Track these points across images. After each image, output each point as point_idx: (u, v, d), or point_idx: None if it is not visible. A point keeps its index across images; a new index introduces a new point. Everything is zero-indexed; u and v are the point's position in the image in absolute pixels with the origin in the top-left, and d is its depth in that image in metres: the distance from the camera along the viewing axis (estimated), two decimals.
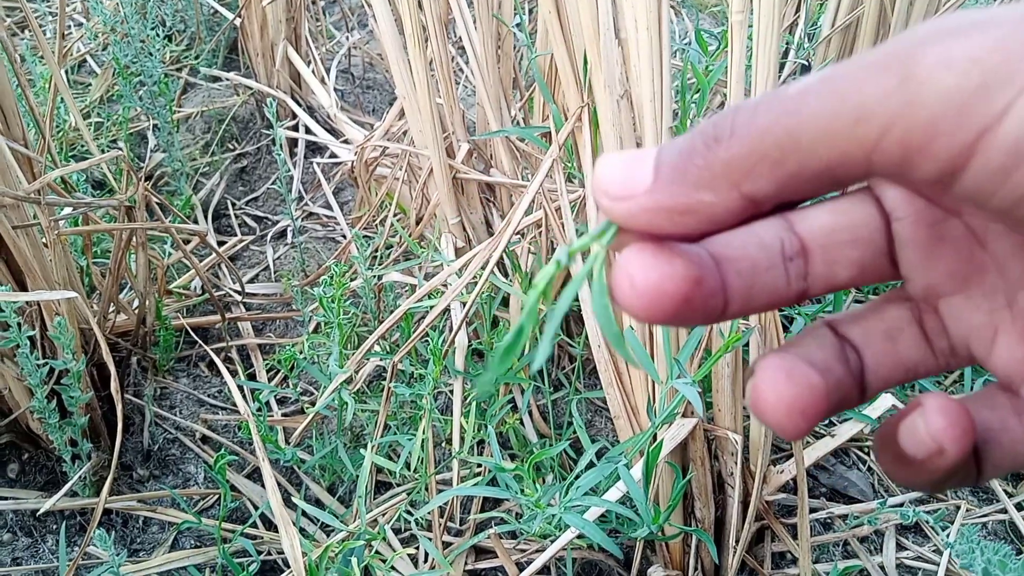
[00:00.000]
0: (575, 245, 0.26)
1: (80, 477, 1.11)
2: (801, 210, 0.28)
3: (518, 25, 1.30)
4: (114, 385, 0.98)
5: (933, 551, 1.11)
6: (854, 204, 0.28)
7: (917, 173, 0.22)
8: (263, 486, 1.21)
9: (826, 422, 1.22)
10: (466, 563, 1.12)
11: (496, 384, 1.16)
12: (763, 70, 0.85)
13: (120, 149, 1.11)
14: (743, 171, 0.23)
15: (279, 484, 1.22)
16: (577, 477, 0.91)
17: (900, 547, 1.12)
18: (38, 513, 1.14)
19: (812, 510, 1.16)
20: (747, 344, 0.97)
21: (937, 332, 0.28)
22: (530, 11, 1.83)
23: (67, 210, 1.11)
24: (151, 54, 1.64)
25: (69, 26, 2.21)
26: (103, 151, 1.75)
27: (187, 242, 1.51)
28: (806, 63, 1.41)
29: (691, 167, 0.24)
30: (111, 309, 1.26)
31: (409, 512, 1.06)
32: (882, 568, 1.10)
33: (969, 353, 0.28)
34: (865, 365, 0.28)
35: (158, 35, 1.69)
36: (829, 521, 1.16)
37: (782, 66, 1.81)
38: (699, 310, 0.25)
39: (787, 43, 1.70)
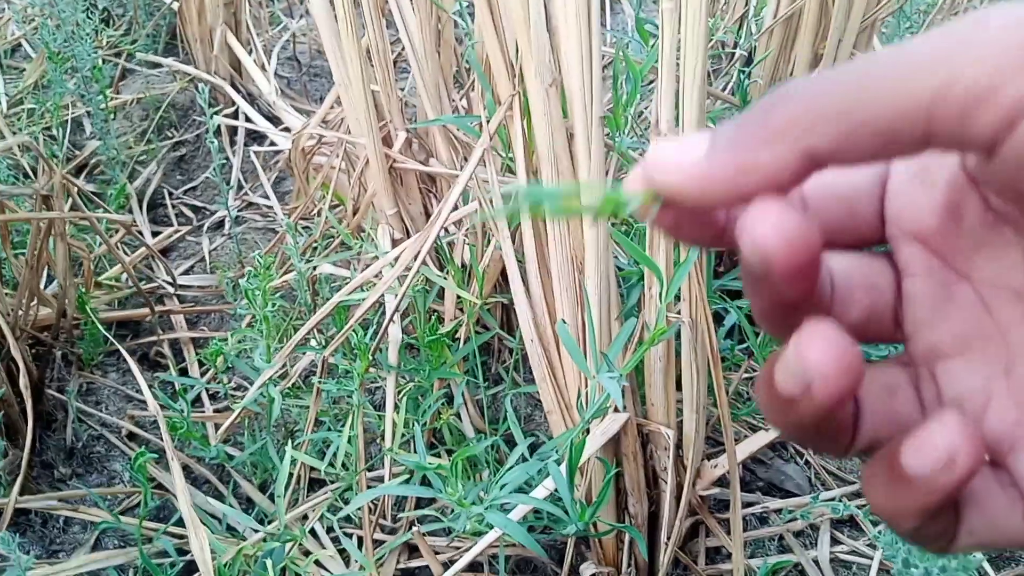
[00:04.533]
0: (606, 199, 0.26)
1: None
2: (829, 252, 0.29)
3: (458, 12, 1.28)
4: (23, 381, 0.94)
5: (867, 545, 1.12)
6: (873, 257, 0.29)
7: (977, 125, 0.22)
8: (191, 484, 1.17)
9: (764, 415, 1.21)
10: (398, 561, 1.09)
11: (430, 378, 1.13)
12: (691, 59, 0.83)
13: (28, 136, 1.06)
14: (805, 125, 0.23)
15: (208, 481, 1.19)
16: (505, 473, 0.89)
17: (835, 541, 1.12)
18: None
19: (748, 504, 1.15)
20: (679, 337, 0.96)
21: (931, 400, 0.28)
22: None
23: None
24: (83, 39, 1.59)
25: (3, 8, 2.14)
26: (36, 139, 1.69)
27: (116, 232, 1.46)
28: (747, 53, 1.41)
29: (748, 128, 0.24)
30: (33, 302, 1.21)
31: (338, 510, 1.04)
32: (816, 563, 1.10)
33: None
34: (861, 413, 0.27)
35: (90, 18, 1.63)
36: (765, 515, 1.16)
37: (731, 56, 1.80)
38: (814, 274, 0.25)
39: (734, 35, 1.70)
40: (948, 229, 0.27)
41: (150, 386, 1.32)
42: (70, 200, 1.18)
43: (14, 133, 1.19)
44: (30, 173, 1.64)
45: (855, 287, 0.29)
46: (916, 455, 0.24)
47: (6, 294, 1.17)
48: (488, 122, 1.01)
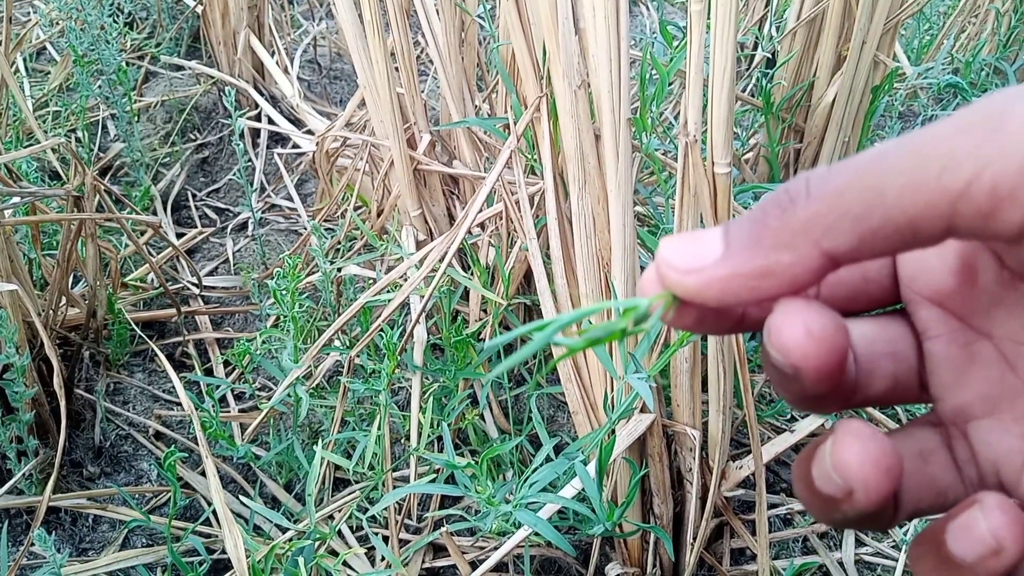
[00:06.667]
0: (622, 318, 0.26)
1: (25, 475, 1.07)
2: (848, 320, 0.28)
3: (482, 15, 1.28)
4: (57, 380, 0.95)
5: (892, 547, 1.11)
6: (891, 320, 0.29)
7: (1000, 223, 0.22)
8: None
9: (787, 417, 1.21)
10: (424, 561, 1.10)
11: (455, 379, 1.14)
12: (720, 61, 0.84)
13: (63, 138, 1.08)
14: (823, 227, 0.23)
15: (234, 481, 1.20)
16: (533, 473, 0.89)
17: (859, 543, 1.12)
18: None
19: (772, 506, 1.15)
20: (706, 338, 0.96)
21: (966, 460, 0.28)
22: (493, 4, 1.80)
23: (13, 200, 1.08)
24: (108, 42, 1.61)
25: (28, 12, 2.16)
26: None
27: (143, 233, 1.48)
28: (770, 56, 1.41)
29: (766, 230, 0.24)
30: (62, 302, 1.23)
31: (364, 509, 1.04)
32: (841, 564, 1.09)
33: (998, 480, 0.27)
34: (899, 485, 0.28)
35: (116, 22, 1.65)
36: (789, 517, 1.16)
37: (751, 59, 1.80)
38: (842, 371, 0.25)
39: (755, 37, 1.70)
40: (964, 289, 0.27)
41: (176, 387, 1.34)
42: (96, 200, 1.20)
43: (45, 134, 1.20)
44: (57, 174, 1.66)
45: (878, 356, 0.29)
46: (961, 542, 0.24)
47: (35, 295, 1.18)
48: (515, 124, 1.02)
